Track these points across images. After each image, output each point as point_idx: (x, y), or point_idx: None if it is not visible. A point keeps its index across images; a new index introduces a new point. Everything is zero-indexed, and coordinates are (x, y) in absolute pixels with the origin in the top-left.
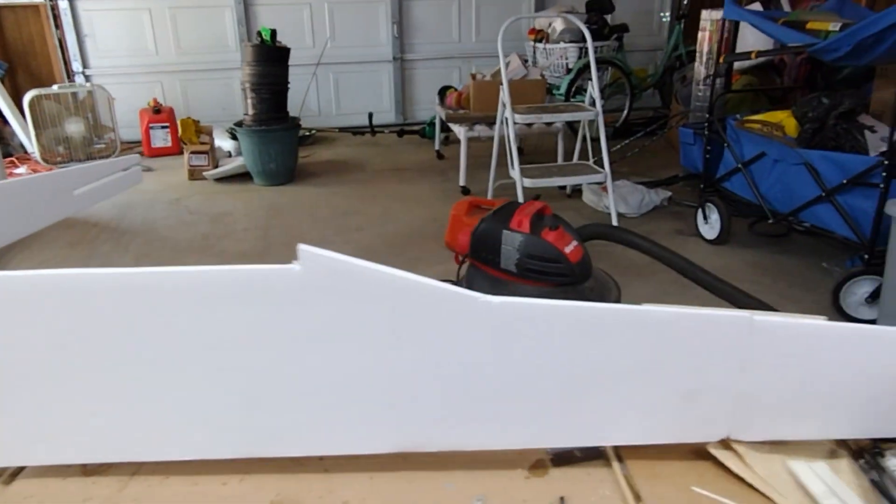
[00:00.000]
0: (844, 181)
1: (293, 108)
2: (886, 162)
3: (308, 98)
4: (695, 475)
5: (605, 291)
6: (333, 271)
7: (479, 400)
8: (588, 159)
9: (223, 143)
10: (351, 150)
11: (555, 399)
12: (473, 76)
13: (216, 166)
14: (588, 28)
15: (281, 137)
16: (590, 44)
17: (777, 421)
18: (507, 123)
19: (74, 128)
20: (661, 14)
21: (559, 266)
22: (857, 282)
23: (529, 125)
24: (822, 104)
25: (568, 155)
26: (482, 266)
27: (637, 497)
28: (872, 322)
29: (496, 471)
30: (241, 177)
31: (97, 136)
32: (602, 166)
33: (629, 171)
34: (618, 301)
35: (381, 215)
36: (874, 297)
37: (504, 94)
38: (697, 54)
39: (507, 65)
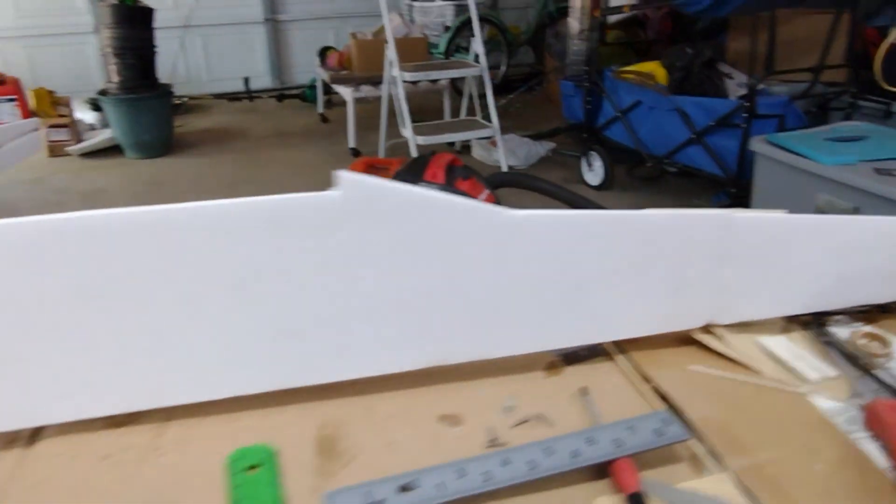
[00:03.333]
0: (712, 123)
1: (162, 75)
2: (747, 104)
3: (176, 63)
4: (686, 358)
5: None
6: (372, 196)
7: (499, 310)
8: (475, 116)
9: (84, 115)
10: (229, 117)
11: (562, 303)
12: (354, 35)
13: (79, 141)
14: None
15: (153, 106)
16: (471, 1)
17: (746, 305)
18: (395, 83)
19: None
20: None
21: None
22: None
23: (415, 83)
24: (687, 54)
25: (454, 112)
26: None
27: (646, 379)
28: None
29: (516, 375)
30: (111, 150)
31: None
32: (490, 121)
33: (513, 125)
34: None
35: (271, 183)
36: None
37: (391, 53)
38: (570, 10)
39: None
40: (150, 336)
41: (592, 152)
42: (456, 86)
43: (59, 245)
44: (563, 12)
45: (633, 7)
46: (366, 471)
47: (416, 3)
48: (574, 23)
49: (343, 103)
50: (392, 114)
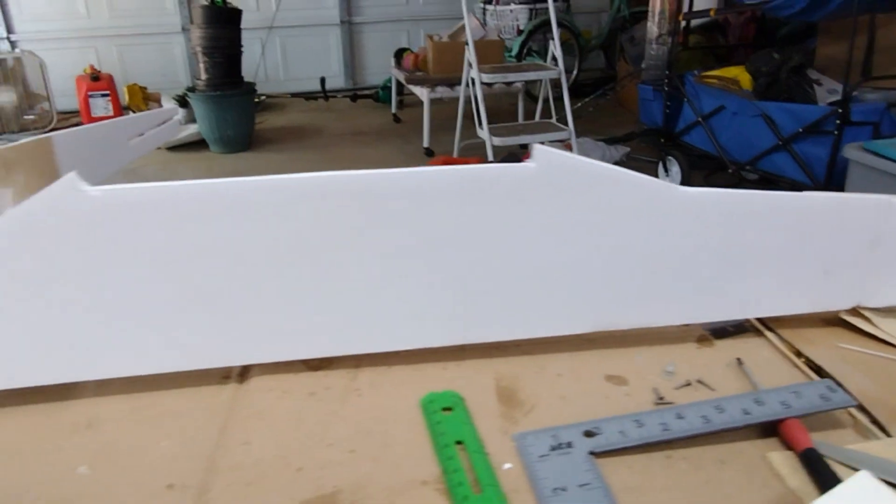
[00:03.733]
0: (800, 129)
1: (245, 74)
2: (840, 110)
3: (257, 63)
4: (834, 337)
5: None
6: (565, 168)
7: (660, 282)
8: (550, 119)
9: None
10: (305, 115)
11: (717, 278)
12: (430, 37)
13: None
14: None
15: (238, 103)
16: (550, 3)
17: (893, 287)
18: (473, 83)
19: (5, 97)
20: None
21: None
22: None
23: (491, 85)
24: (774, 59)
25: (527, 115)
26: None
27: (798, 353)
28: None
29: (671, 345)
30: (196, 145)
31: (29, 106)
32: (564, 124)
33: (587, 129)
34: None
35: None
36: None
37: (470, 54)
38: (650, 14)
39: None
40: (348, 289)
41: (670, 157)
42: (528, 89)
43: (287, 202)
44: (637, 17)
45: (718, 11)
46: (545, 419)
47: (489, 7)
48: (652, 27)
49: (415, 104)
50: (466, 115)
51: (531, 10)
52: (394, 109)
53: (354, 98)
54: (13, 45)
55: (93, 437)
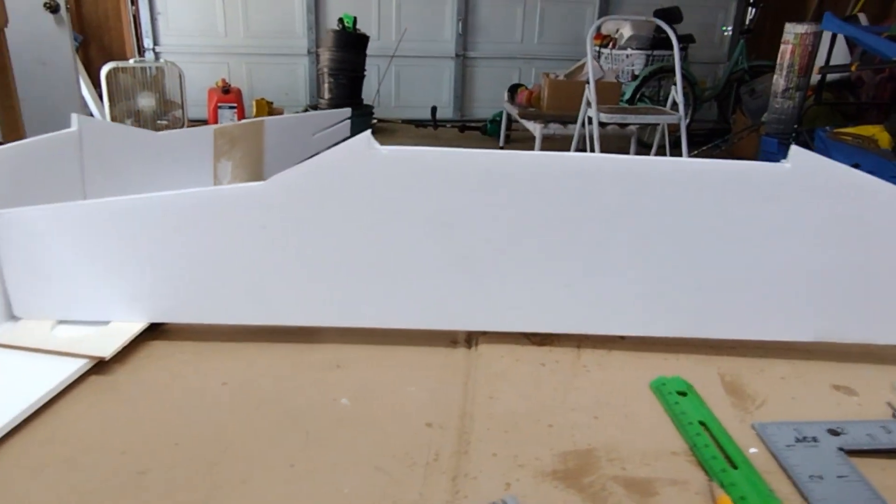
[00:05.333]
0: None
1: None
2: None
3: (369, 87)
4: None
5: None
6: (822, 172)
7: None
8: None
9: None
10: (414, 141)
11: None
12: (547, 75)
13: None
14: (656, 37)
15: (356, 123)
16: (676, 50)
17: None
18: (589, 122)
19: (146, 102)
20: (724, 28)
21: None
22: None
23: (604, 126)
24: None
25: None
26: None
27: None
28: None
29: (889, 365)
30: None
31: (164, 112)
32: None
33: None
34: None
35: None
36: None
37: (590, 93)
38: (777, 67)
39: (583, 66)
40: (583, 269)
41: None
42: (639, 135)
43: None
44: (757, 70)
45: (860, 66)
46: (779, 414)
47: (605, 50)
48: (779, 80)
49: (521, 140)
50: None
51: (648, 56)
52: (501, 143)
53: (462, 129)
54: (157, 55)
55: (345, 376)
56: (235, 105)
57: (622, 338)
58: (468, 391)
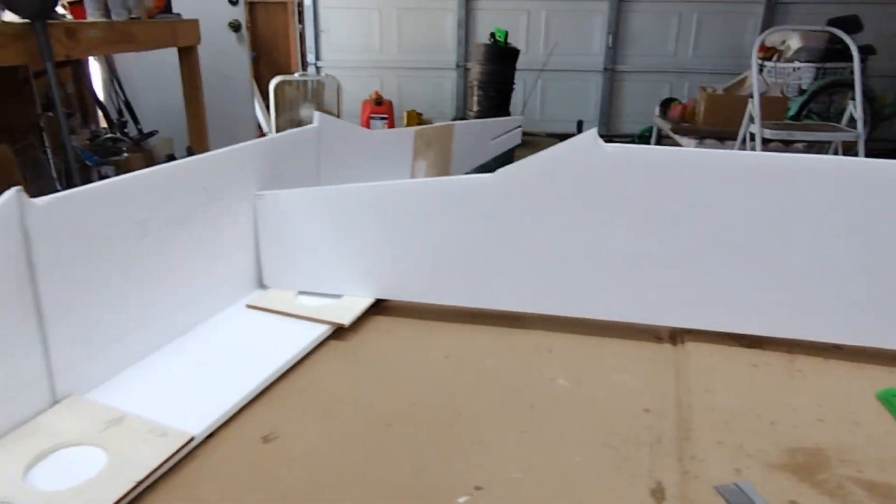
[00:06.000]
0: None
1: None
2: None
3: (515, 100)
4: None
5: None
6: None
7: None
8: None
9: None
10: None
11: None
12: (704, 89)
13: None
14: (828, 48)
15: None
16: (856, 62)
17: None
18: (751, 138)
19: (306, 112)
20: None
21: None
22: None
23: (767, 144)
24: None
25: None
26: None
27: None
28: None
29: None
30: None
31: None
32: None
33: None
34: None
35: None
36: None
37: (754, 108)
38: None
39: (743, 80)
40: (796, 272)
41: None
42: (806, 153)
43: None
44: None
45: None
46: None
47: (768, 63)
48: None
49: None
50: None
51: (818, 69)
52: None
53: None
54: (318, 70)
55: (557, 359)
56: (386, 116)
57: (838, 347)
58: (682, 383)
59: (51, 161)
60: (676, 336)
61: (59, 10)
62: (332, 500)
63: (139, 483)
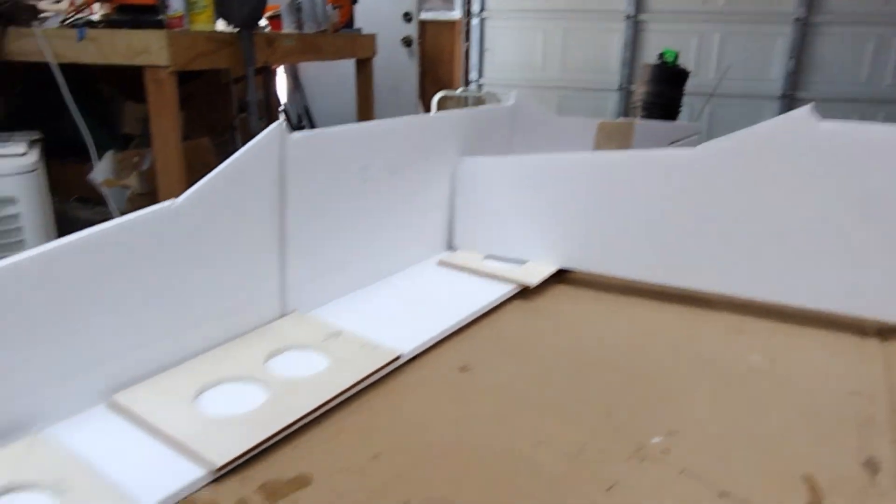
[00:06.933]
0: None
1: None
2: None
3: None
4: None
5: None
6: None
7: None
8: None
9: None
10: None
11: None
12: None
13: None
14: None
15: None
16: None
17: None
18: None
19: None
20: None
21: None
22: None
23: None
24: None
25: None
26: None
27: None
28: None
29: None
30: None
31: None
32: None
33: None
34: None
35: None
36: None
37: None
38: None
39: None
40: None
41: None
42: None
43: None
44: None
45: None
46: None
47: None
48: None
49: None
50: None
51: None
52: None
53: None
54: (480, 87)
55: (748, 339)
56: None
57: None
58: (892, 371)
59: None
60: (885, 333)
61: (262, 22)
62: (528, 427)
63: (357, 382)
